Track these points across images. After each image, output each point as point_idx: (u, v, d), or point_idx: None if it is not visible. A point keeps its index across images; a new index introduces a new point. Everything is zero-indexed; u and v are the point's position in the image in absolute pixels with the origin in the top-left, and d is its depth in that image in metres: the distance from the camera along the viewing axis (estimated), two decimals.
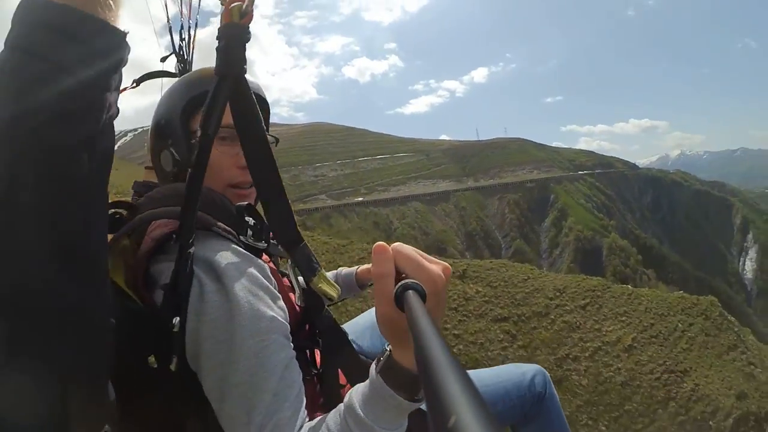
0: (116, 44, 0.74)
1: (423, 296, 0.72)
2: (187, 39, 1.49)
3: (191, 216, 0.96)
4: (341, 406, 0.94)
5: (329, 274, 1.64)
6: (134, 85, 1.34)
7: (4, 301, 0.70)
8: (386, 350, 0.87)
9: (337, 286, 1.17)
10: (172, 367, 0.97)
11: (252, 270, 1.04)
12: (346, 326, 1.98)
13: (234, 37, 0.93)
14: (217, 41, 0.95)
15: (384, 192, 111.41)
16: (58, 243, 0.72)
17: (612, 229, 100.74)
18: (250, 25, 0.94)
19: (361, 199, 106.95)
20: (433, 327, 0.48)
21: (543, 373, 1.86)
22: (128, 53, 0.77)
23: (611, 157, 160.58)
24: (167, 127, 1.30)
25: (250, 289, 1.01)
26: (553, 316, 7.20)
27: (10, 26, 0.69)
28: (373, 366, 0.89)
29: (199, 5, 1.44)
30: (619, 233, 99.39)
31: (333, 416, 0.94)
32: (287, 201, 1.14)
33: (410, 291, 0.72)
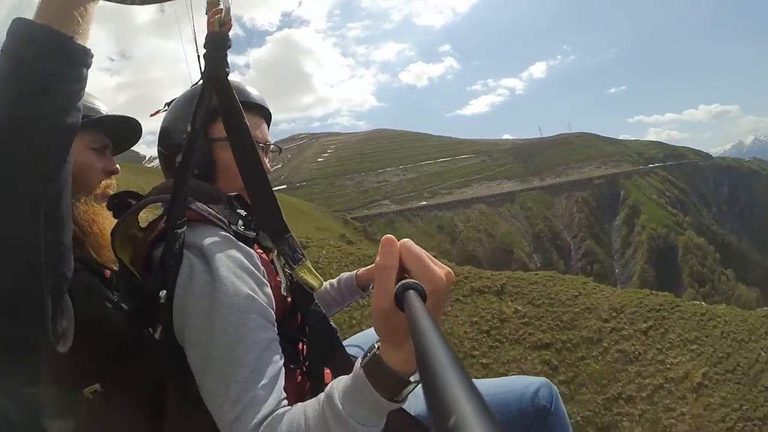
0: (72, 49, 0.92)
1: (423, 297, 0.73)
2: None
3: (179, 201, 1.08)
4: (322, 394, 0.97)
5: (333, 280, 1.82)
6: (165, 107, 1.49)
7: None
8: (374, 346, 0.89)
9: (320, 277, 1.23)
10: (156, 335, 1.07)
11: (238, 255, 1.11)
12: (357, 336, 2.01)
13: (216, 43, 1.09)
14: (204, 48, 1.11)
15: (447, 195, 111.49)
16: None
17: (687, 225, 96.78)
18: (230, 32, 1.11)
19: (424, 203, 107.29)
20: (435, 327, 0.49)
21: (550, 386, 1.75)
22: (88, 58, 0.96)
23: (683, 147, 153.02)
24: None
25: (234, 271, 1.07)
26: (606, 343, 5.94)
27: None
28: (359, 360, 0.91)
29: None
30: (695, 230, 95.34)
31: (312, 403, 0.97)
32: (273, 193, 1.24)
33: (411, 291, 0.72)
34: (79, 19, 0.93)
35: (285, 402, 1.02)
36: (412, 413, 1.40)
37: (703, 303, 7.14)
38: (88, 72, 0.97)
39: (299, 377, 1.27)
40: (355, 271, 1.82)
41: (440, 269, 0.79)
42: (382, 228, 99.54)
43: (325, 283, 1.68)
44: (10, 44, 0.89)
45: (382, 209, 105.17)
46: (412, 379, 0.87)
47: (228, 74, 1.14)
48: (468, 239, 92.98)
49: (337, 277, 1.87)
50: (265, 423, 0.96)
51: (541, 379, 1.76)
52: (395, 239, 0.80)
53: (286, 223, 1.25)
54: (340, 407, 0.90)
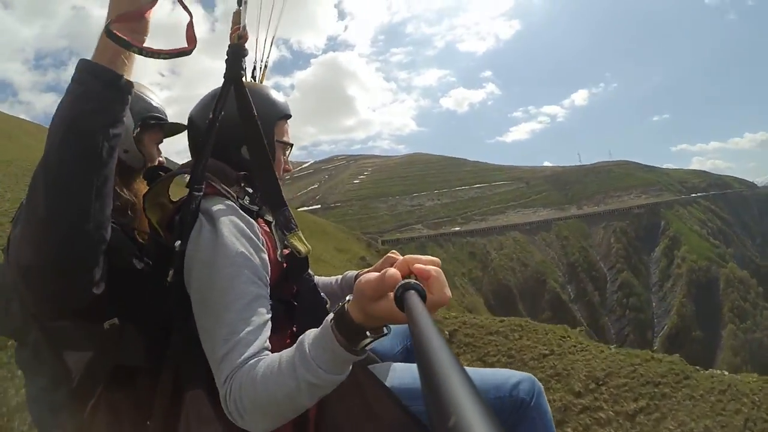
0: (123, 83, 1.20)
1: (423, 297, 0.75)
2: (259, 74, 1.90)
3: (198, 169, 1.36)
4: (296, 342, 1.12)
5: (339, 276, 1.98)
6: None
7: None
8: (346, 300, 1.04)
9: (308, 245, 1.43)
10: (169, 278, 1.28)
11: (239, 222, 1.32)
12: None
13: (234, 53, 1.41)
14: (225, 56, 1.44)
15: (481, 221, 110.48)
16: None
17: (729, 257, 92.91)
18: (246, 44, 1.45)
19: (457, 228, 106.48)
20: (435, 327, 0.50)
21: (533, 381, 1.71)
22: (131, 89, 1.24)
23: (727, 176, 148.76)
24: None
25: (234, 233, 1.29)
26: (570, 430, 4.02)
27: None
28: (331, 313, 1.07)
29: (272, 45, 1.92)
30: (737, 262, 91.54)
31: (287, 350, 1.12)
32: (274, 173, 1.46)
33: (411, 291, 0.74)
34: (125, 61, 1.20)
35: (268, 351, 1.19)
36: (393, 386, 1.52)
37: (726, 372, 4.91)
38: (130, 98, 1.24)
39: (288, 339, 1.42)
40: (357, 272, 1.89)
41: (444, 293, 0.92)
42: (413, 252, 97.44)
43: (330, 278, 1.97)
44: (80, 76, 1.17)
45: (415, 233, 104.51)
46: (368, 333, 1.02)
47: (243, 76, 1.43)
48: (500, 267, 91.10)
49: (343, 274, 1.97)
50: (248, 363, 1.13)
51: (525, 374, 1.75)
52: (420, 261, 0.97)
53: (283, 198, 1.46)
54: (307, 351, 1.05)
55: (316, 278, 1.84)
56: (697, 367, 4.93)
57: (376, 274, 0.95)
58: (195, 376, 1.27)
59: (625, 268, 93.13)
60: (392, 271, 0.91)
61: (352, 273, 1.91)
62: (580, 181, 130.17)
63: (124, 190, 1.74)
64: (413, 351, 1.66)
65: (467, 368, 1.53)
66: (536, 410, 1.65)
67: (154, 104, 1.90)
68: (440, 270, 0.94)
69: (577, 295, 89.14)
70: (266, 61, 1.86)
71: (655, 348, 78.20)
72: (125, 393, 1.37)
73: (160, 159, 1.93)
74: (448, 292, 0.91)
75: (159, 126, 1.92)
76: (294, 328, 1.46)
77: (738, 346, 73.07)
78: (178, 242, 1.29)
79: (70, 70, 1.22)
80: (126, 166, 1.78)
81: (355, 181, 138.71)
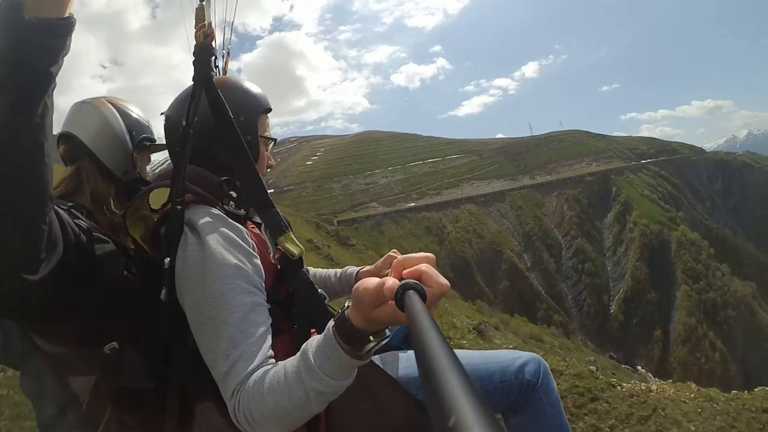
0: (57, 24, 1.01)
1: (423, 297, 0.76)
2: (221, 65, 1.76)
3: (178, 182, 1.31)
4: (300, 351, 1.11)
5: (338, 270, 1.94)
6: None
7: None
8: (345, 307, 1.03)
9: (300, 246, 1.42)
10: (162, 296, 1.26)
11: (226, 230, 1.28)
12: None
13: (201, 53, 1.35)
14: (193, 57, 1.37)
15: (436, 196, 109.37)
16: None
17: (681, 221, 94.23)
18: (213, 42, 1.39)
19: (412, 204, 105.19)
20: (435, 327, 0.51)
21: (538, 361, 1.71)
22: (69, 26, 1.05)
23: (676, 142, 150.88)
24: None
25: (222, 243, 1.25)
26: None
27: None
28: (331, 320, 1.06)
29: (231, 35, 1.83)
30: (688, 225, 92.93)
31: (292, 359, 1.12)
32: (257, 173, 1.43)
33: (411, 291, 0.75)
34: None
35: (272, 360, 1.18)
36: (398, 375, 1.54)
37: (651, 379, 4.27)
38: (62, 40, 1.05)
39: (290, 340, 1.40)
40: (358, 268, 1.88)
41: (437, 282, 0.90)
42: (369, 231, 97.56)
43: (328, 270, 1.96)
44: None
45: (370, 211, 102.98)
46: (371, 338, 1.02)
47: (213, 77, 1.36)
48: (457, 240, 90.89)
49: (342, 269, 1.93)
50: (253, 375, 1.12)
51: (530, 354, 1.75)
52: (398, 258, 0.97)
53: (270, 200, 1.43)
54: (312, 360, 1.04)
55: (312, 271, 1.91)
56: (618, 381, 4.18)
57: (375, 281, 0.93)
58: (202, 389, 1.29)
59: (579, 234, 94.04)
60: (391, 282, 0.89)
61: (352, 269, 1.91)
62: (531, 152, 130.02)
63: (113, 209, 1.76)
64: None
65: (471, 351, 1.84)
66: (543, 391, 1.66)
67: (144, 123, 1.94)
68: (430, 263, 0.95)
69: (534, 263, 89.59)
70: (228, 48, 1.83)
71: (612, 311, 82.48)
72: (134, 412, 1.40)
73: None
74: (443, 281, 0.91)
75: (149, 146, 1.96)
76: (295, 328, 1.46)
77: (693, 307, 74.21)
78: (167, 259, 1.27)
79: None
80: (123, 188, 1.82)
81: (308, 163, 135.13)
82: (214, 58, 1.37)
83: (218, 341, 1.16)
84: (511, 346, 12.94)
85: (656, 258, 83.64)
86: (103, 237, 1.45)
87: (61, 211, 1.32)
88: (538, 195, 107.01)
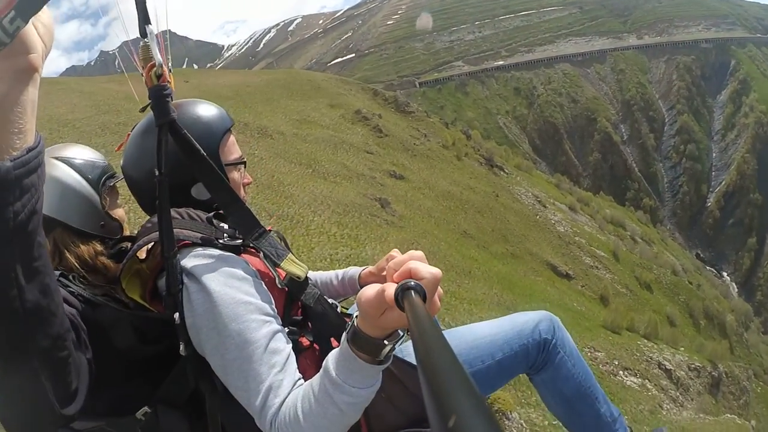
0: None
1: (423, 297, 0.77)
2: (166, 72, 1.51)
3: (167, 235, 1.27)
4: (322, 369, 1.14)
5: (339, 272, 1.93)
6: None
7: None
8: (354, 320, 1.05)
9: (304, 265, 1.44)
10: (181, 352, 1.27)
11: (225, 267, 1.29)
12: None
13: (157, 95, 1.25)
14: (149, 100, 1.29)
15: (527, 53, 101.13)
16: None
17: None
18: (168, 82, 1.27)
19: (501, 62, 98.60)
20: (435, 327, 0.51)
21: (549, 318, 1.83)
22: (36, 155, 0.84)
23: None
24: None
25: (225, 282, 1.26)
26: None
27: None
28: (344, 334, 1.08)
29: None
30: None
31: (315, 378, 1.15)
32: (242, 203, 1.43)
33: (411, 291, 0.76)
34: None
35: (300, 381, 1.23)
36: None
37: (733, 292, 7.38)
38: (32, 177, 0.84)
39: (313, 354, 1.46)
40: (359, 269, 1.88)
41: (430, 273, 0.93)
42: (452, 92, 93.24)
43: (328, 273, 1.96)
44: None
45: (454, 71, 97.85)
46: (386, 342, 1.04)
47: (174, 119, 1.28)
48: (547, 104, 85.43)
49: (344, 270, 1.93)
50: (285, 402, 1.17)
51: (541, 313, 1.85)
52: (394, 259, 0.99)
53: (261, 226, 1.43)
54: (335, 375, 1.08)
55: (314, 276, 1.90)
56: None
57: (375, 290, 0.96)
58: (243, 429, 1.31)
59: (686, 110, 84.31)
60: (390, 289, 0.91)
61: (354, 270, 1.91)
62: (640, 7, 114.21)
63: (106, 261, 1.66)
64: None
65: (488, 321, 1.93)
66: (560, 345, 1.80)
67: (99, 163, 1.76)
68: (416, 258, 0.98)
69: (631, 136, 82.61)
70: (168, 57, 1.58)
71: (708, 204, 75.62)
72: None
73: (124, 217, 1.85)
74: (434, 269, 0.93)
75: (114, 185, 1.82)
76: (315, 345, 1.48)
77: None
78: (177, 314, 1.28)
79: None
80: (105, 240, 1.72)
81: (389, 23, 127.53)
82: (170, 97, 1.29)
83: (247, 380, 1.20)
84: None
85: None
86: (103, 301, 1.41)
87: (63, 292, 1.26)
88: (645, 58, 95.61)
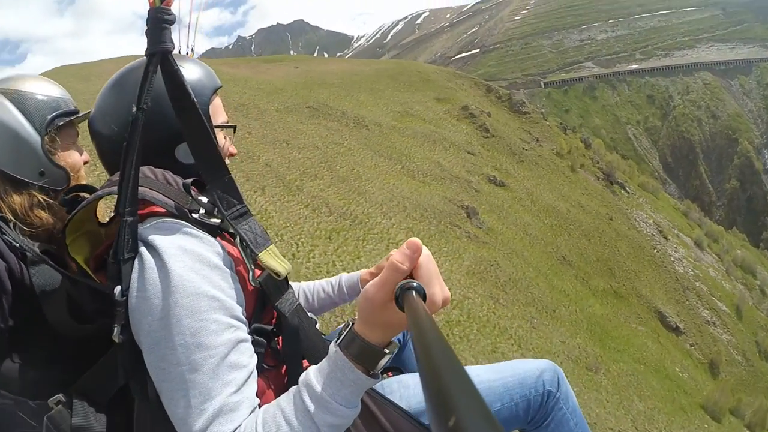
0: None
1: (423, 298, 0.78)
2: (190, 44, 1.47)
3: (126, 186, 1.05)
4: (294, 387, 0.99)
5: (332, 279, 1.78)
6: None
7: None
8: (350, 324, 0.95)
9: (287, 262, 1.20)
10: (115, 337, 1.03)
11: (197, 248, 1.06)
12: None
13: (156, 20, 1.06)
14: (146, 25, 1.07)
15: (664, 58, 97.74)
16: None
17: None
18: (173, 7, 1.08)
19: (634, 66, 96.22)
20: (435, 327, 0.50)
21: (554, 369, 1.64)
22: None
23: None
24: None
25: (192, 267, 1.03)
26: None
27: None
28: (333, 342, 0.96)
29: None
30: None
31: (286, 397, 0.98)
32: (228, 171, 1.20)
33: (411, 291, 0.77)
34: None
35: (256, 408, 1.02)
36: (407, 407, 1.38)
37: None
38: None
39: (276, 376, 1.24)
40: (358, 273, 1.76)
41: (441, 291, 0.88)
42: (579, 95, 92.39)
43: (316, 282, 1.80)
44: None
45: (583, 72, 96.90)
46: (386, 350, 0.93)
47: (171, 50, 1.09)
48: (683, 117, 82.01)
49: (336, 277, 1.81)
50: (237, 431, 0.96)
51: (545, 362, 1.68)
52: (421, 247, 0.89)
53: (245, 205, 1.21)
54: (320, 390, 0.93)
55: (297, 287, 1.73)
56: None
57: (378, 278, 0.89)
58: None
59: None
60: (400, 261, 0.87)
61: (348, 275, 1.78)
62: None
63: (44, 215, 1.40)
64: (405, 342, 1.79)
65: (486, 365, 1.72)
66: (563, 399, 1.61)
67: (53, 97, 1.50)
68: (430, 264, 0.90)
69: None
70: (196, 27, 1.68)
71: None
72: None
73: (84, 158, 1.61)
74: (439, 291, 0.88)
75: (69, 123, 1.54)
76: (282, 364, 1.25)
77: None
78: (118, 289, 1.04)
79: None
80: (48, 190, 1.45)
81: (517, 18, 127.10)
82: (171, 24, 1.09)
83: (188, 393, 0.96)
84: None
85: None
86: (42, 258, 1.19)
87: None
88: None
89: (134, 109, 1.06)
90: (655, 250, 21.58)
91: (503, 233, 15.05)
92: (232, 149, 1.42)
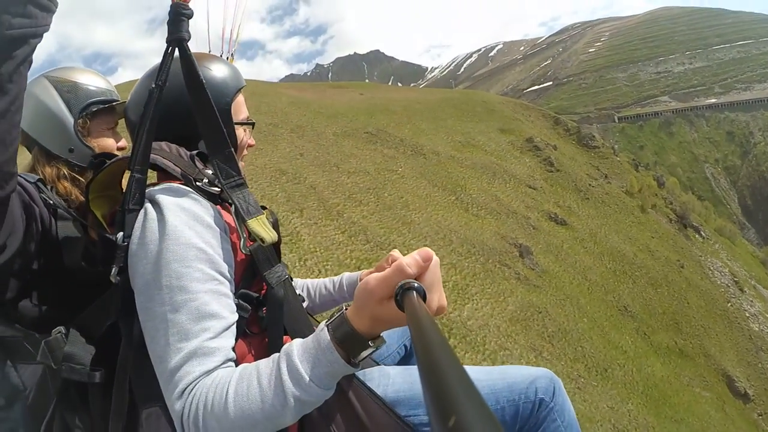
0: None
1: (423, 298, 0.79)
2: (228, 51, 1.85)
3: (139, 146, 1.22)
4: (277, 354, 1.04)
5: (335, 278, 1.87)
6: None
7: None
8: (342, 308, 1.00)
9: (273, 232, 1.25)
10: (112, 277, 1.16)
11: (193, 207, 1.17)
12: None
13: (176, 13, 1.24)
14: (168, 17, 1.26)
15: (745, 91, 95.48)
16: None
17: None
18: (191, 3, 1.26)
19: (713, 100, 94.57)
20: (436, 327, 0.50)
21: (551, 378, 1.49)
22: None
23: None
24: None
25: (187, 222, 1.13)
26: None
27: None
28: (324, 321, 1.01)
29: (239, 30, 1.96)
30: None
31: (265, 361, 1.03)
32: (229, 146, 1.30)
33: (412, 291, 0.78)
34: None
35: (232, 363, 1.08)
36: (383, 395, 1.34)
37: None
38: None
39: (259, 344, 1.27)
40: (358, 273, 1.81)
41: (439, 299, 0.92)
42: (655, 131, 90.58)
43: (318, 280, 1.89)
44: None
45: (659, 107, 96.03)
46: (371, 343, 0.97)
47: (187, 39, 1.25)
48: (764, 155, 79.89)
49: (339, 276, 1.86)
50: (211, 375, 1.01)
51: (543, 370, 1.53)
52: (432, 258, 0.94)
53: (243, 178, 1.32)
54: (298, 363, 0.97)
55: (301, 282, 1.86)
56: None
57: (382, 273, 0.92)
58: (150, 393, 1.12)
59: None
60: (405, 260, 0.91)
61: (350, 274, 1.84)
62: None
63: (68, 185, 1.66)
64: (412, 351, 1.81)
65: (475, 367, 1.68)
66: (558, 413, 1.44)
67: (93, 88, 1.76)
68: (437, 272, 0.94)
69: None
70: (238, 34, 1.95)
71: None
72: (78, 413, 1.27)
73: (120, 144, 1.84)
74: (440, 297, 0.93)
75: (106, 110, 1.78)
76: (265, 333, 1.28)
77: None
78: (120, 234, 1.16)
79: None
80: (74, 165, 1.70)
81: (590, 50, 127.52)
82: (188, 18, 1.25)
83: (167, 332, 1.03)
84: None
85: None
86: (67, 214, 1.40)
87: (28, 185, 1.33)
88: None
89: (153, 85, 1.24)
90: (729, 304, 20.17)
91: (559, 276, 14.22)
92: (251, 141, 1.56)
